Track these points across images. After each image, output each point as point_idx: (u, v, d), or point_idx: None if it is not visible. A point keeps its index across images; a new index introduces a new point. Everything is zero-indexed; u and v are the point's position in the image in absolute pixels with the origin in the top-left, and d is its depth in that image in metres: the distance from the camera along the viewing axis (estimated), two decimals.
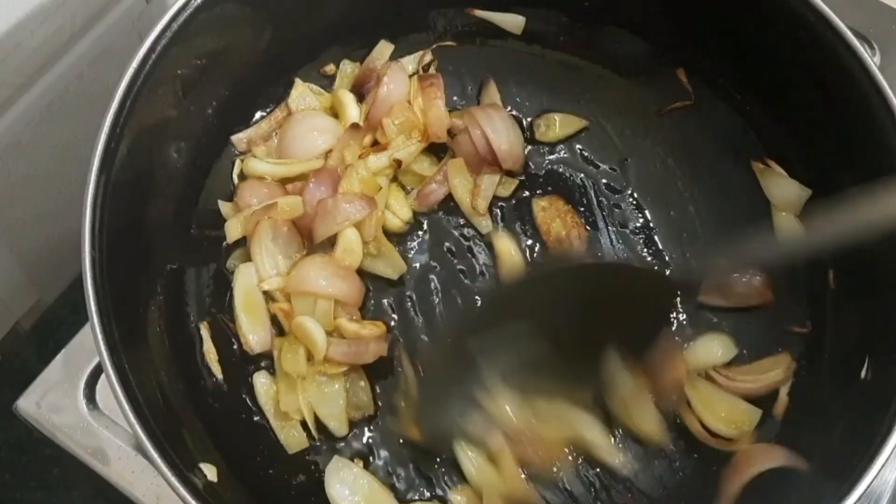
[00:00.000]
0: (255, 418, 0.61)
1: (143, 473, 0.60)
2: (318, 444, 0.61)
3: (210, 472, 0.54)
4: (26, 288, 0.72)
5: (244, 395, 0.61)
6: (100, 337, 0.50)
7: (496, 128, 0.66)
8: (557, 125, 0.70)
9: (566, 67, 0.71)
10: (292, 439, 0.60)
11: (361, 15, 0.68)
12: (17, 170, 0.63)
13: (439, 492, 0.60)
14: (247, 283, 0.62)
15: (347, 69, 0.70)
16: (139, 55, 0.54)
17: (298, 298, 0.61)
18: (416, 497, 0.60)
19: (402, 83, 0.68)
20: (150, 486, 0.60)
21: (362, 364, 0.61)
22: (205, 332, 0.62)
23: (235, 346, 0.62)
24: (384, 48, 0.69)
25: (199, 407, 0.60)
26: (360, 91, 0.69)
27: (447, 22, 0.71)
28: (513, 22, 0.71)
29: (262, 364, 0.62)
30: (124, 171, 0.54)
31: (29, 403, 0.62)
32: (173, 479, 0.48)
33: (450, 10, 0.70)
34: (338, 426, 0.60)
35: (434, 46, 0.71)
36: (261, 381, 0.61)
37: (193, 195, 0.65)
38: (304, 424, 0.60)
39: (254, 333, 0.61)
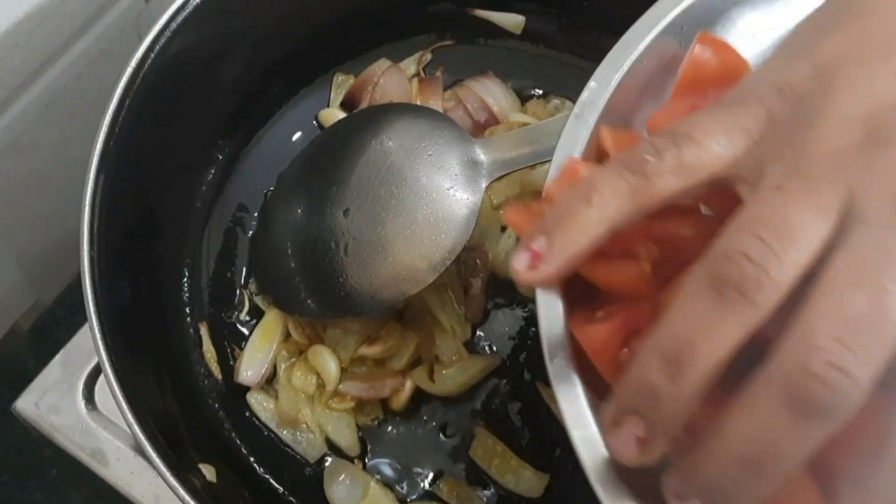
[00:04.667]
0: (255, 420, 0.61)
1: (142, 474, 0.60)
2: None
3: (209, 472, 0.54)
4: (25, 288, 0.72)
5: (243, 397, 0.61)
6: (98, 338, 0.49)
7: (490, 91, 0.67)
8: None
9: (566, 67, 0.71)
10: (312, 449, 0.60)
11: (359, 14, 0.68)
12: (16, 170, 0.63)
13: (437, 492, 0.60)
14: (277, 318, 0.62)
15: (342, 82, 0.69)
16: (138, 55, 0.54)
17: (332, 328, 0.61)
18: (416, 497, 0.60)
19: (399, 86, 0.67)
20: (149, 486, 0.60)
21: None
22: (204, 332, 0.62)
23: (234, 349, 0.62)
24: (383, 64, 0.69)
25: (198, 408, 0.60)
26: (353, 102, 0.68)
27: (446, 22, 0.71)
28: (512, 21, 0.71)
29: None
30: (123, 171, 0.54)
31: (27, 404, 0.62)
32: (172, 480, 0.48)
33: (449, 10, 0.70)
34: (349, 446, 0.60)
35: (434, 47, 0.71)
36: (256, 398, 0.61)
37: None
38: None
39: (252, 367, 0.61)
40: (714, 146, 0.32)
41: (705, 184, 0.32)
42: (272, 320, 0.62)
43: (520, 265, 0.33)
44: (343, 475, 0.59)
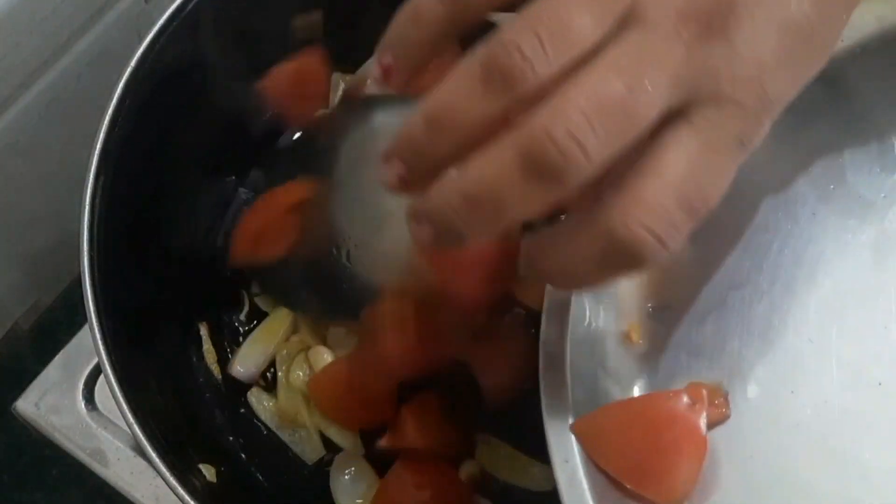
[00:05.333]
0: (254, 421, 0.61)
1: (142, 475, 0.60)
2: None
3: (209, 472, 0.54)
4: (25, 288, 0.72)
5: (243, 397, 0.61)
6: (98, 338, 0.49)
7: None
8: None
9: None
10: (310, 451, 0.60)
11: (360, 14, 0.68)
12: (16, 170, 0.63)
13: None
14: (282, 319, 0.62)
15: (340, 82, 0.69)
16: (138, 55, 0.54)
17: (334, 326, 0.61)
18: None
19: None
20: (149, 487, 0.60)
21: None
22: (204, 332, 0.62)
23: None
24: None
25: (198, 408, 0.60)
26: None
27: None
28: None
29: None
30: (123, 171, 0.54)
31: (27, 404, 0.62)
32: (172, 480, 0.48)
33: None
34: (352, 446, 0.59)
35: None
36: (257, 397, 0.61)
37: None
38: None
39: (244, 362, 0.61)
40: None
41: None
42: (276, 319, 0.62)
43: (377, 76, 0.39)
44: (349, 472, 0.59)
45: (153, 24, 0.55)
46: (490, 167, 0.31)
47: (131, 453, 0.60)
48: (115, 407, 0.49)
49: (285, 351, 0.61)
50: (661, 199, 0.31)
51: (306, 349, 0.61)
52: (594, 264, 0.32)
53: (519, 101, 0.31)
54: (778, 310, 0.43)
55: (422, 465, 0.56)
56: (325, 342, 0.61)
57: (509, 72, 0.31)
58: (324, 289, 0.58)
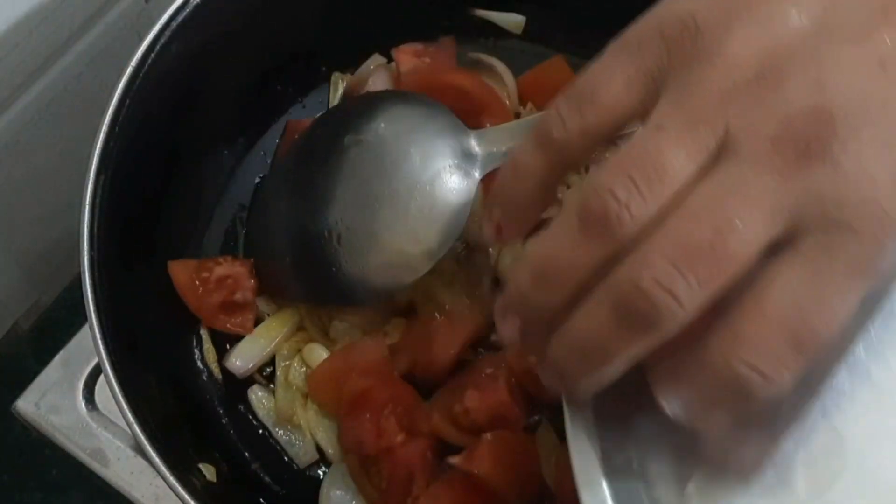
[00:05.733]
0: (254, 421, 0.61)
1: (142, 474, 0.60)
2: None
3: (209, 472, 0.54)
4: (25, 288, 0.72)
5: (243, 397, 0.61)
6: (98, 337, 0.49)
7: None
8: None
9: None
10: (303, 454, 0.59)
11: (360, 14, 0.68)
12: (16, 170, 0.63)
13: None
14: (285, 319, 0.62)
15: (339, 82, 0.69)
16: (138, 55, 0.54)
17: (337, 321, 0.61)
18: None
19: (386, 85, 0.67)
20: (150, 487, 0.60)
21: None
22: (204, 332, 0.62)
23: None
24: (376, 61, 0.69)
25: (198, 408, 0.60)
26: None
27: (446, 22, 0.71)
28: (513, 21, 0.71)
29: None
30: (123, 171, 0.54)
31: (27, 404, 0.62)
32: (172, 480, 0.48)
33: (449, 10, 0.70)
34: (335, 453, 0.59)
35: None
36: (257, 395, 0.61)
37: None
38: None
39: (241, 357, 0.60)
40: (615, 103, 0.34)
41: (612, 133, 0.35)
42: (279, 319, 0.62)
43: (490, 235, 0.40)
44: (344, 482, 0.58)
45: (153, 24, 0.55)
46: (589, 321, 0.32)
47: (131, 453, 0.60)
48: (115, 407, 0.49)
49: (285, 350, 0.61)
50: (764, 335, 0.30)
51: (303, 347, 0.61)
52: (707, 403, 0.32)
53: (622, 247, 0.31)
54: None
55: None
56: (327, 337, 0.61)
57: (606, 217, 0.31)
58: (315, 273, 0.58)
